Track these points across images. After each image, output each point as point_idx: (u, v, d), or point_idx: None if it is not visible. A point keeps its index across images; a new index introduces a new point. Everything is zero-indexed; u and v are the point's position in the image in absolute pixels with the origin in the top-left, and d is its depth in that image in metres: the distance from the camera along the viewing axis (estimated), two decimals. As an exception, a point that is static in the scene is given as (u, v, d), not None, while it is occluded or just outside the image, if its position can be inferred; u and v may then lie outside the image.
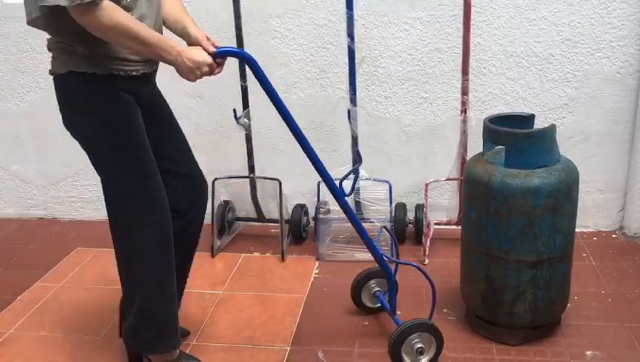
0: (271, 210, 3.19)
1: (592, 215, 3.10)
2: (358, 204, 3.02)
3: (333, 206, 2.91)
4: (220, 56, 1.87)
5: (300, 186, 3.17)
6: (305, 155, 2.09)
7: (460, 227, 2.40)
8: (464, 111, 2.78)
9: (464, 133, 2.81)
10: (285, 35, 3.04)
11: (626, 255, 2.88)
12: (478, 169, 2.17)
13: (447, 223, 3.03)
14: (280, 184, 2.98)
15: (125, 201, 1.93)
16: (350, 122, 2.83)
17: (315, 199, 3.01)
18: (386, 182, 2.93)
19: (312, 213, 3.15)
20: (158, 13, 1.90)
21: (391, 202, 2.95)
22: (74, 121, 1.91)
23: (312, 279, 2.79)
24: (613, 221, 3.11)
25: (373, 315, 2.47)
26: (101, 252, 3.14)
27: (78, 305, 2.68)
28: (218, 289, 2.73)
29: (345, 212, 2.15)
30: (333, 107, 3.09)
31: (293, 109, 3.09)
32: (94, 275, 2.92)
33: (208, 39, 1.91)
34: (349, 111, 2.83)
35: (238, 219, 3.27)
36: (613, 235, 3.09)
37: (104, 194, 1.97)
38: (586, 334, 2.30)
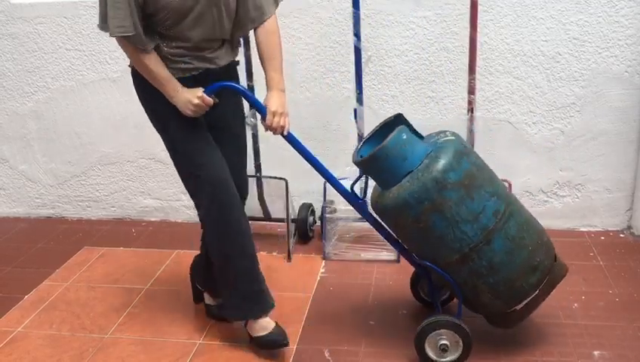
0: (277, 209, 3.19)
1: (600, 214, 3.09)
2: (364, 203, 3.01)
3: (340, 205, 2.92)
4: (212, 92, 2.07)
5: (307, 186, 3.17)
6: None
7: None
8: (471, 110, 2.77)
9: (471, 132, 2.81)
10: (291, 35, 3.04)
11: (634, 254, 2.86)
12: (373, 197, 2.17)
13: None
14: (286, 183, 2.99)
15: (185, 182, 2.22)
16: (356, 121, 2.83)
17: (322, 198, 3.01)
18: (393, 181, 2.92)
19: (318, 212, 3.15)
20: (216, 27, 2.07)
21: (397, 201, 2.94)
22: (142, 106, 2.22)
23: (319, 278, 2.79)
24: (621, 220, 3.10)
25: (379, 316, 2.47)
26: (108, 251, 3.15)
27: (86, 303, 2.69)
28: (225, 288, 2.74)
29: (365, 218, 2.23)
30: (340, 106, 3.09)
31: (299, 109, 3.12)
32: (102, 274, 2.94)
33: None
34: (355, 111, 2.82)
35: (245, 218, 3.27)
36: (621, 235, 3.07)
37: None
38: (594, 334, 2.29)
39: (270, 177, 3.08)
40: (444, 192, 1.96)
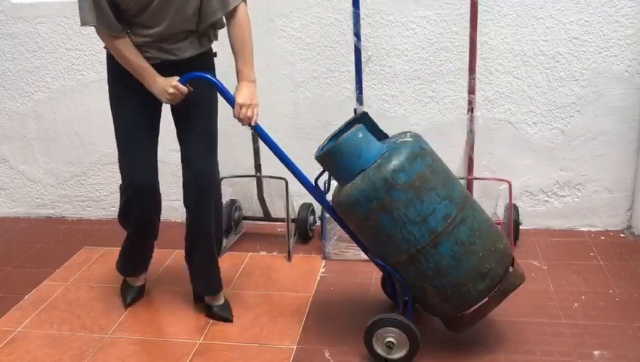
0: (277, 209, 3.20)
1: (600, 214, 3.09)
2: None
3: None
4: (186, 81, 2.16)
5: (307, 185, 3.18)
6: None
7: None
8: (471, 110, 2.77)
9: (471, 132, 2.81)
10: (291, 34, 3.04)
11: (634, 254, 2.86)
12: (333, 193, 2.18)
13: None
14: (287, 183, 2.98)
15: (118, 160, 2.40)
16: (356, 121, 2.83)
17: (322, 198, 3.01)
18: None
19: (318, 212, 3.15)
20: (177, 18, 2.11)
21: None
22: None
23: (319, 278, 2.79)
24: (621, 220, 3.10)
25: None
26: (108, 251, 3.15)
27: (86, 303, 2.69)
28: (225, 288, 2.73)
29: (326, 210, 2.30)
30: (340, 106, 3.08)
31: (299, 109, 3.13)
32: (101, 274, 2.94)
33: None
34: (355, 111, 2.82)
35: (245, 218, 3.27)
36: (621, 234, 3.07)
37: None
38: (594, 334, 2.29)
39: (270, 177, 3.08)
40: (392, 192, 1.97)
